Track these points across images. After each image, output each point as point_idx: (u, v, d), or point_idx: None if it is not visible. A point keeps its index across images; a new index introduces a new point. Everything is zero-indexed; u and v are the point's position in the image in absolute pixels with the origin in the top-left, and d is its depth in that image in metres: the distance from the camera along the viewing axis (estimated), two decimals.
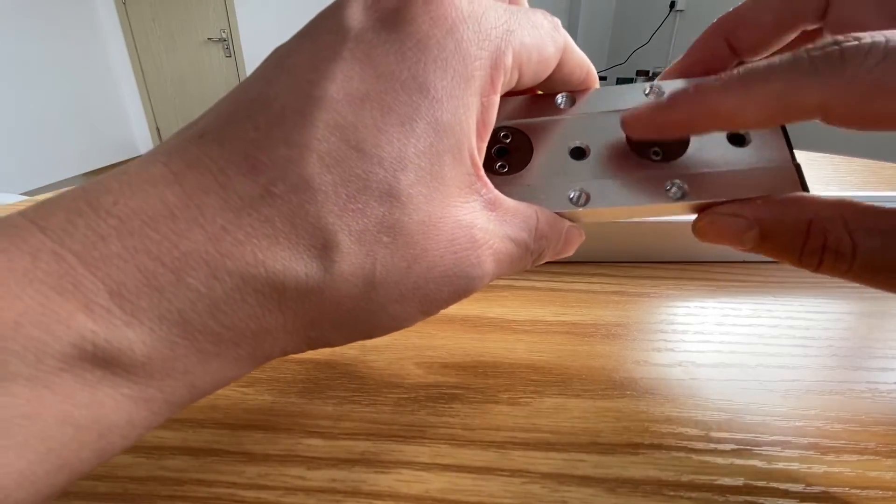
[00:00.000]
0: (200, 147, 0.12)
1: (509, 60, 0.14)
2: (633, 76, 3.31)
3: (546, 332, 0.26)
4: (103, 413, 0.11)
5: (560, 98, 0.18)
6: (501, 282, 0.31)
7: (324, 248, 0.12)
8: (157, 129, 4.06)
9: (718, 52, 0.18)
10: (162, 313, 0.11)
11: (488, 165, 0.16)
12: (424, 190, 0.13)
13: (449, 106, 0.13)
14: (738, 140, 0.17)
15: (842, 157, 0.57)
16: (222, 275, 0.11)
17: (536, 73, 0.15)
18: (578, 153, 0.17)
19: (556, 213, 0.16)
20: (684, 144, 0.16)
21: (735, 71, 0.14)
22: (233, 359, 0.13)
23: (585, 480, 0.18)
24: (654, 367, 0.24)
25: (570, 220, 0.17)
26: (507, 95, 0.20)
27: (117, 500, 0.18)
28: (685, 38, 3.02)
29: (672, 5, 2.99)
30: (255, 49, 3.70)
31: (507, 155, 0.17)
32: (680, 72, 0.19)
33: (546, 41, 0.15)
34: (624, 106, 0.17)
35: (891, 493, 0.18)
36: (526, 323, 0.27)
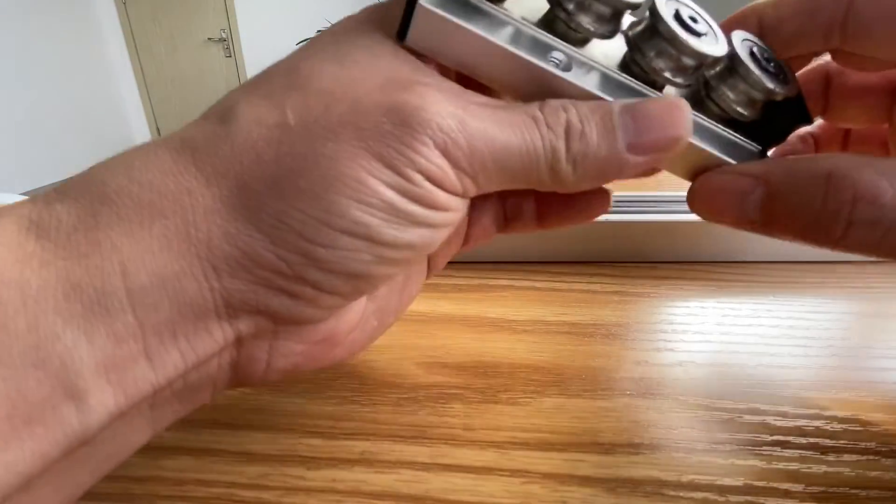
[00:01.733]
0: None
1: None
2: None
3: (546, 332, 0.26)
4: (29, 292, 0.11)
5: None
6: (501, 281, 0.31)
7: (227, 111, 0.13)
8: (158, 129, 4.06)
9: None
10: (83, 183, 0.12)
11: None
12: (332, 63, 0.13)
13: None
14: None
15: None
16: (142, 148, 0.13)
17: None
18: None
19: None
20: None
21: None
22: (162, 235, 0.12)
23: (585, 480, 0.18)
24: (654, 367, 0.24)
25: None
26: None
27: (117, 500, 0.18)
28: None
29: None
30: (255, 49, 3.71)
31: None
32: None
33: None
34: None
35: (891, 493, 0.18)
36: (526, 323, 0.27)
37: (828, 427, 0.20)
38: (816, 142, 0.22)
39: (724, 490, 0.18)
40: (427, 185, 0.13)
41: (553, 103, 0.14)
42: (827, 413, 0.21)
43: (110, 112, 3.85)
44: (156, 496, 0.18)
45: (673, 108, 0.14)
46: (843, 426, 0.20)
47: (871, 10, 0.14)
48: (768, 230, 0.14)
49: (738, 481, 0.18)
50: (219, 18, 3.65)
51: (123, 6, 3.66)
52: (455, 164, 0.13)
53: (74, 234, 0.11)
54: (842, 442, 0.20)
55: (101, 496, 0.18)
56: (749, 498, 0.17)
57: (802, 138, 0.22)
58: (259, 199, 0.12)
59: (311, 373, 0.24)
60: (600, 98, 0.14)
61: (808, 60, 0.18)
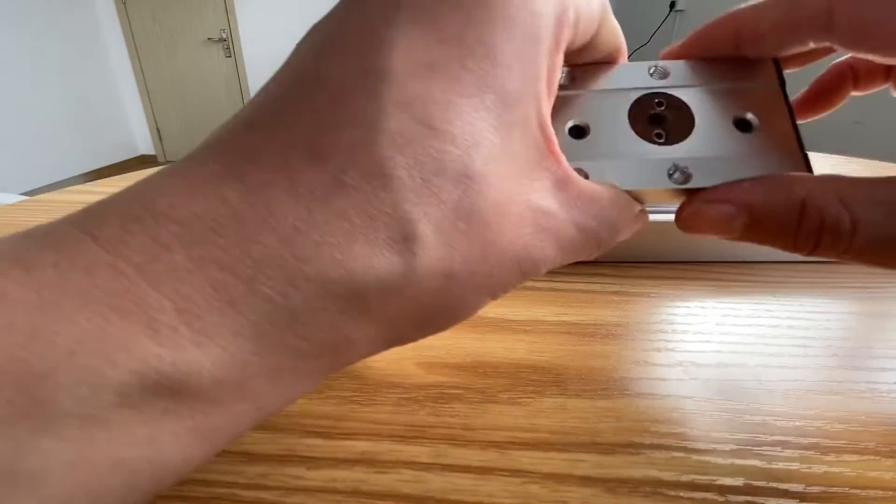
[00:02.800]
0: (254, 137, 0.11)
1: (572, 14, 0.13)
2: None
3: (546, 332, 0.26)
4: (159, 453, 0.10)
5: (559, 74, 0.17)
6: None
7: (405, 240, 0.11)
8: (158, 129, 4.06)
9: (722, 43, 0.17)
10: (236, 329, 0.10)
11: None
12: (496, 168, 0.12)
13: (518, 73, 0.12)
14: (744, 126, 0.16)
15: (842, 156, 0.57)
16: (300, 282, 0.10)
17: (585, 32, 0.14)
18: (578, 132, 0.16)
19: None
20: (689, 126, 0.16)
21: None
22: (307, 373, 0.12)
23: (585, 480, 0.18)
24: (654, 367, 0.24)
25: None
26: None
27: None
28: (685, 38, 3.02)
29: (672, 5, 2.99)
30: (255, 49, 3.71)
31: None
32: (679, 54, 0.18)
33: None
34: (627, 84, 0.16)
35: (891, 493, 0.18)
36: (526, 323, 0.27)
37: (828, 427, 0.20)
38: (855, 73, 0.21)
39: (724, 490, 0.18)
40: None
41: (614, 216, 0.15)
42: (827, 413, 0.21)
43: (110, 112, 3.85)
44: (156, 496, 0.18)
45: (642, 219, 0.17)
46: (843, 426, 0.20)
47: (849, 12, 0.15)
48: (749, 241, 0.16)
49: (738, 481, 0.18)
50: (219, 18, 3.65)
51: (123, 6, 3.66)
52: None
53: (218, 386, 0.10)
54: (842, 442, 0.20)
55: None
56: (749, 498, 0.17)
57: (841, 71, 0.21)
58: (400, 332, 0.13)
59: None
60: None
61: (807, 59, 0.19)
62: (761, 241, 0.16)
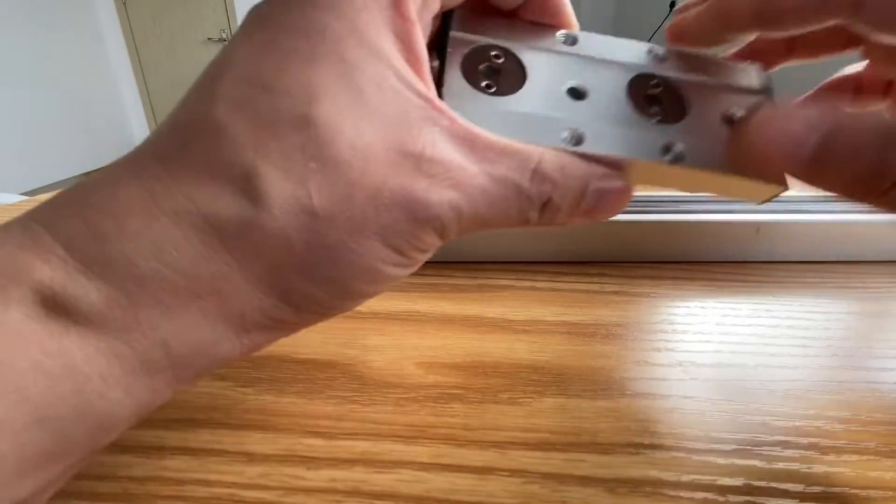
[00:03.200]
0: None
1: None
2: None
3: (546, 332, 0.26)
4: (74, 363, 0.11)
5: (560, 35, 0.17)
6: (501, 281, 0.31)
7: (246, 178, 0.12)
8: None
9: (739, 16, 0.17)
10: (109, 260, 0.12)
11: (473, 82, 0.16)
12: (347, 118, 0.13)
13: (351, 42, 0.13)
14: (731, 123, 0.16)
15: None
16: (157, 214, 0.12)
17: None
18: (576, 94, 0.16)
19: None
20: (683, 110, 0.16)
21: None
22: (199, 313, 0.13)
23: (585, 480, 0.18)
24: (654, 367, 0.24)
25: None
26: (500, 17, 0.18)
27: (117, 500, 0.18)
28: None
29: (672, 5, 2.99)
30: None
31: (497, 75, 0.16)
32: (695, 21, 0.18)
33: None
34: (626, 59, 0.17)
35: (891, 493, 0.18)
36: (526, 323, 0.27)
37: (828, 427, 0.20)
38: (859, 86, 0.20)
39: (724, 490, 0.18)
40: (420, 256, 0.15)
41: (546, 169, 0.14)
42: (827, 413, 0.21)
43: (110, 112, 3.85)
44: (156, 496, 0.18)
45: (625, 197, 0.15)
46: (843, 426, 0.20)
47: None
48: (811, 177, 0.14)
49: (738, 481, 0.18)
50: (219, 18, 3.65)
51: (123, 6, 3.66)
52: (444, 239, 0.14)
53: (109, 311, 0.12)
54: (842, 442, 0.20)
55: (102, 496, 0.18)
56: (749, 498, 0.18)
57: (844, 82, 0.21)
58: (290, 282, 0.13)
59: (312, 373, 0.24)
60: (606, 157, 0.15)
61: (830, 45, 0.18)
62: (829, 173, 0.13)
